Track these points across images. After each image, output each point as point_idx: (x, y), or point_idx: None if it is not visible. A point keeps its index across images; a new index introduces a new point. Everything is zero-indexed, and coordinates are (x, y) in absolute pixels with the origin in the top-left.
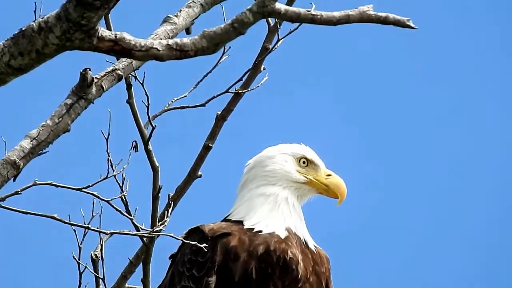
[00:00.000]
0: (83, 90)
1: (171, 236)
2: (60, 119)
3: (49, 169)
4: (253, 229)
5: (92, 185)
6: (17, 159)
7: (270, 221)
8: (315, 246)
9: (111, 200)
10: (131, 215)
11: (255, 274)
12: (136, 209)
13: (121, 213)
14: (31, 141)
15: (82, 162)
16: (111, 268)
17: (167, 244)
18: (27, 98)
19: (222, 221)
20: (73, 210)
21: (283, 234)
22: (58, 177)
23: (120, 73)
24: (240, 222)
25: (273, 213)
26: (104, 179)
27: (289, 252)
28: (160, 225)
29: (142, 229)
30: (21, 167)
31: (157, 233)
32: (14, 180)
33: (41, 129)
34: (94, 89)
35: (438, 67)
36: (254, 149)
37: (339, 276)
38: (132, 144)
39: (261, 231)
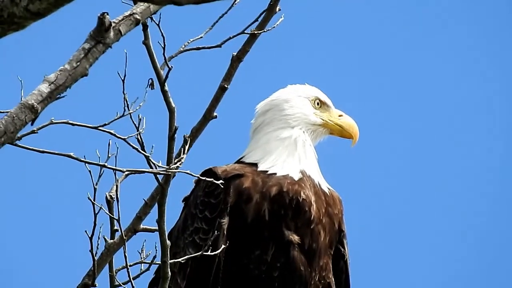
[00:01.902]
0: (101, 35)
1: (187, 173)
2: (78, 64)
3: (66, 112)
4: (267, 171)
5: (108, 123)
6: (35, 103)
7: (285, 164)
8: (328, 188)
9: (127, 138)
10: (147, 154)
11: (268, 215)
12: (152, 146)
13: (138, 151)
14: (49, 85)
15: (99, 105)
16: (126, 209)
17: (182, 186)
18: (45, 43)
19: (236, 163)
20: (89, 151)
21: (296, 176)
22: (74, 119)
23: (138, 17)
24: (254, 164)
25: (290, 157)
26: (120, 117)
27: (302, 193)
28: (177, 162)
29: (158, 167)
30: (39, 111)
31: (174, 171)
32: (32, 124)
33: (59, 73)
34: (112, 34)
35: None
36: (270, 90)
37: (352, 217)
38: (148, 82)
39: (275, 173)
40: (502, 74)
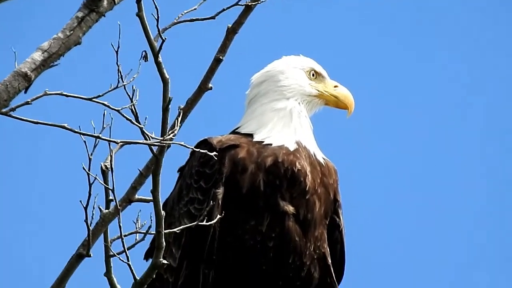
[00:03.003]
0: (95, 3)
1: (181, 145)
2: (72, 32)
3: (60, 83)
4: (262, 141)
5: (102, 95)
6: (28, 71)
7: (281, 135)
8: (323, 158)
9: (121, 109)
10: (141, 125)
11: (263, 186)
12: (146, 118)
13: (131, 122)
14: (43, 53)
15: (93, 75)
16: (121, 180)
17: (177, 156)
18: (39, 11)
19: (231, 133)
20: (84, 122)
21: (292, 147)
22: (68, 90)
23: None
24: (249, 135)
25: (285, 128)
26: (114, 89)
27: (297, 164)
28: (170, 133)
29: (152, 138)
30: (32, 79)
31: (168, 142)
32: (25, 92)
33: (52, 41)
34: (105, 2)
35: None
36: (265, 62)
37: (346, 187)
38: (142, 54)
39: (270, 144)
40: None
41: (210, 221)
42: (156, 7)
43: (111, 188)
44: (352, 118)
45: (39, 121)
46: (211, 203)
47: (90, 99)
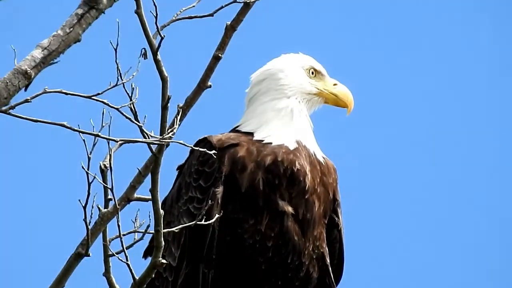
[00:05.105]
0: (94, 0)
1: (180, 144)
2: (71, 29)
3: (59, 80)
4: (262, 140)
5: (102, 93)
6: (28, 69)
7: (281, 134)
8: (323, 157)
9: (120, 107)
10: (140, 123)
11: (262, 185)
12: (145, 116)
13: (131, 121)
14: (42, 50)
15: (92, 73)
16: (120, 179)
17: (175, 155)
18: (38, 8)
19: (231, 131)
20: (83, 120)
21: (292, 146)
22: (68, 87)
23: None
24: (250, 134)
25: (286, 127)
26: (113, 87)
27: (296, 163)
28: (170, 132)
29: (151, 137)
30: (32, 76)
31: (167, 141)
32: (25, 90)
33: (52, 39)
34: None
35: None
36: (264, 60)
37: (346, 186)
38: (141, 52)
39: (270, 143)
40: None
41: (209, 220)
42: (154, 4)
43: (110, 187)
44: (352, 116)
45: (38, 119)
46: (210, 202)
47: (89, 97)
